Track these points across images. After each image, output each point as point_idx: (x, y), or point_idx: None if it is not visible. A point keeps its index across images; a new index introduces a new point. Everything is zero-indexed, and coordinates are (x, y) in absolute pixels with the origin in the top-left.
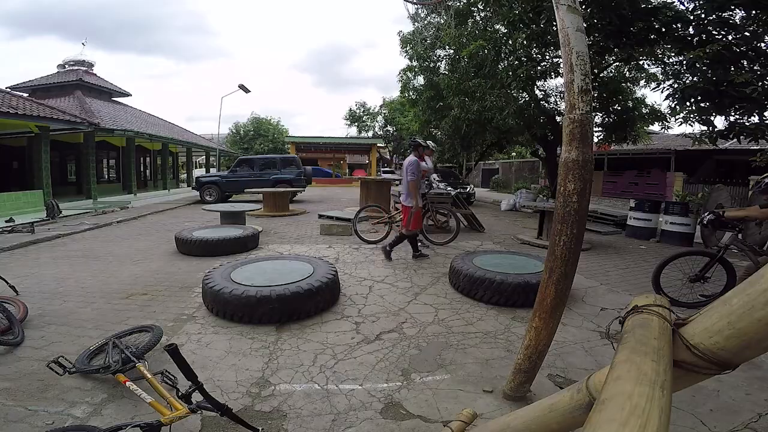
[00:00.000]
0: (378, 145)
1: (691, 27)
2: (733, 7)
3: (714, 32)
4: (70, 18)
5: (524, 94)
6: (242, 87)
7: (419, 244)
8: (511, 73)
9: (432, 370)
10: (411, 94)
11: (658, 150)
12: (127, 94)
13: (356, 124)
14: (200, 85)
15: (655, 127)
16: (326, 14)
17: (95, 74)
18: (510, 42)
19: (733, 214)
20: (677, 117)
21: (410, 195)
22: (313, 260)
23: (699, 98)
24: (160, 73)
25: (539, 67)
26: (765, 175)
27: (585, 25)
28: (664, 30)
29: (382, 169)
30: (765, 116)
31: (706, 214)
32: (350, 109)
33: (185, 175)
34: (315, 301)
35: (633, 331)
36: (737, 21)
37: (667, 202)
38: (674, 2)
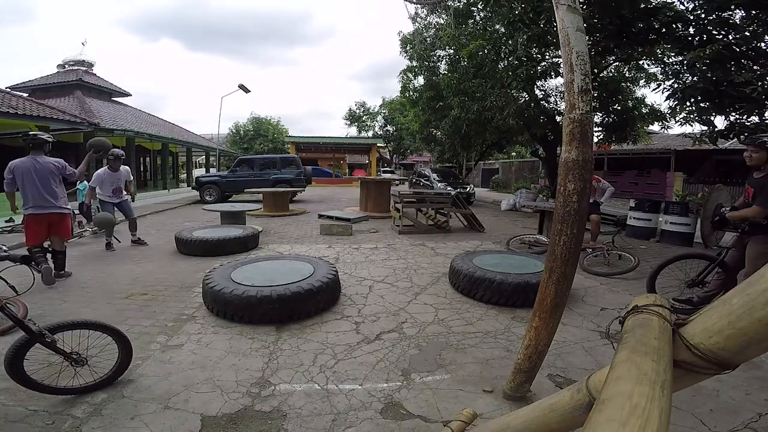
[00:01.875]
0: (378, 145)
1: (691, 27)
2: (733, 7)
3: (714, 32)
4: (186, 23)
5: (524, 94)
6: (242, 87)
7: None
8: (511, 72)
9: (432, 370)
10: (411, 94)
11: (658, 150)
12: (126, 94)
13: (356, 124)
14: (258, 87)
15: (655, 127)
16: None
17: (95, 74)
18: (510, 42)
19: (735, 214)
20: (677, 117)
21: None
22: (313, 260)
23: (699, 98)
24: (239, 77)
25: (539, 67)
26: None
27: (585, 25)
28: (664, 30)
29: (382, 169)
30: (765, 116)
31: (715, 218)
32: (350, 109)
33: (185, 175)
34: (315, 301)
35: (633, 331)
36: (737, 21)
37: (667, 202)
38: (674, 2)
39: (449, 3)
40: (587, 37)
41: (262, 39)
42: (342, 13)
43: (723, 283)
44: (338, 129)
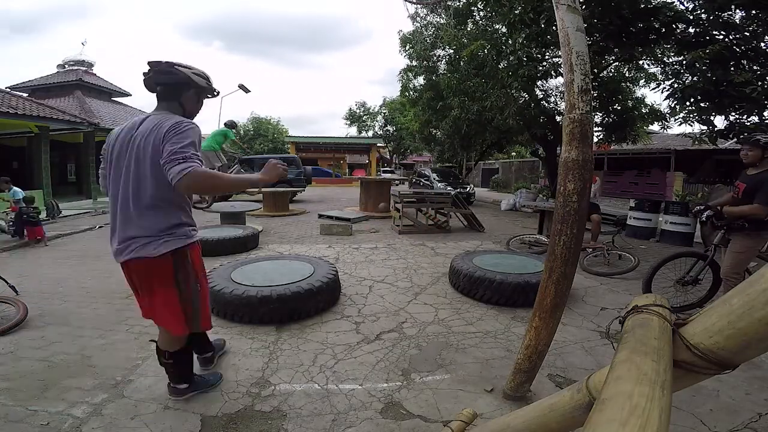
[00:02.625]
0: (378, 144)
1: (691, 27)
2: (733, 7)
3: (714, 32)
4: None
5: (524, 94)
6: (242, 87)
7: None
8: (511, 73)
9: (432, 370)
10: (411, 94)
11: (658, 150)
12: (127, 94)
13: (356, 123)
14: (284, 88)
15: (655, 127)
16: None
17: (95, 74)
18: (510, 42)
19: (733, 210)
20: (677, 117)
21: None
22: (313, 260)
23: (699, 98)
24: (262, 77)
25: (540, 67)
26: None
27: (585, 25)
28: (664, 30)
29: (382, 169)
30: (765, 116)
31: (701, 208)
32: (350, 109)
33: None
34: (315, 301)
35: (633, 331)
36: (737, 21)
37: (667, 202)
38: (674, 2)
39: (449, 3)
40: (587, 37)
41: (300, 43)
42: (384, 15)
43: (716, 279)
44: (339, 129)
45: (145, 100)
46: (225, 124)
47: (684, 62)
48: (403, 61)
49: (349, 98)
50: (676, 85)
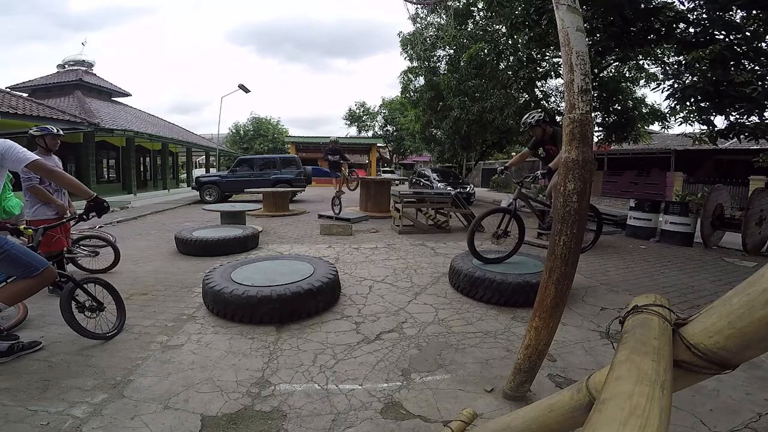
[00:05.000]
0: (378, 145)
1: (691, 27)
2: (733, 7)
3: (714, 32)
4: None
5: (524, 95)
6: (242, 87)
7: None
8: (511, 74)
9: (432, 370)
10: (412, 94)
11: (658, 150)
12: (127, 94)
13: (356, 124)
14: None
15: (655, 127)
16: None
17: (95, 74)
18: (510, 42)
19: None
20: (677, 117)
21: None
22: (313, 260)
23: (699, 98)
24: (284, 78)
25: (540, 69)
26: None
27: (587, 27)
28: (664, 30)
29: (382, 169)
30: (765, 116)
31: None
32: (350, 109)
33: (185, 175)
34: (315, 301)
35: (633, 331)
36: (738, 21)
37: (666, 202)
38: (675, 2)
39: (449, 3)
40: (587, 37)
41: (331, 51)
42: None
43: (521, 227)
44: (339, 129)
45: (145, 101)
46: None
47: (684, 62)
48: (405, 63)
49: (368, 98)
50: (676, 85)
